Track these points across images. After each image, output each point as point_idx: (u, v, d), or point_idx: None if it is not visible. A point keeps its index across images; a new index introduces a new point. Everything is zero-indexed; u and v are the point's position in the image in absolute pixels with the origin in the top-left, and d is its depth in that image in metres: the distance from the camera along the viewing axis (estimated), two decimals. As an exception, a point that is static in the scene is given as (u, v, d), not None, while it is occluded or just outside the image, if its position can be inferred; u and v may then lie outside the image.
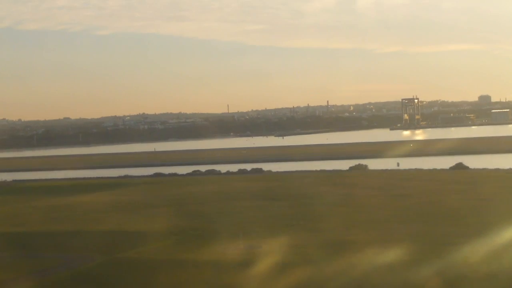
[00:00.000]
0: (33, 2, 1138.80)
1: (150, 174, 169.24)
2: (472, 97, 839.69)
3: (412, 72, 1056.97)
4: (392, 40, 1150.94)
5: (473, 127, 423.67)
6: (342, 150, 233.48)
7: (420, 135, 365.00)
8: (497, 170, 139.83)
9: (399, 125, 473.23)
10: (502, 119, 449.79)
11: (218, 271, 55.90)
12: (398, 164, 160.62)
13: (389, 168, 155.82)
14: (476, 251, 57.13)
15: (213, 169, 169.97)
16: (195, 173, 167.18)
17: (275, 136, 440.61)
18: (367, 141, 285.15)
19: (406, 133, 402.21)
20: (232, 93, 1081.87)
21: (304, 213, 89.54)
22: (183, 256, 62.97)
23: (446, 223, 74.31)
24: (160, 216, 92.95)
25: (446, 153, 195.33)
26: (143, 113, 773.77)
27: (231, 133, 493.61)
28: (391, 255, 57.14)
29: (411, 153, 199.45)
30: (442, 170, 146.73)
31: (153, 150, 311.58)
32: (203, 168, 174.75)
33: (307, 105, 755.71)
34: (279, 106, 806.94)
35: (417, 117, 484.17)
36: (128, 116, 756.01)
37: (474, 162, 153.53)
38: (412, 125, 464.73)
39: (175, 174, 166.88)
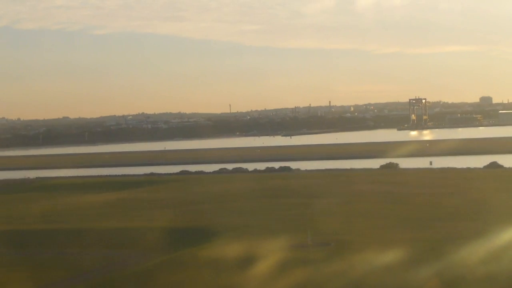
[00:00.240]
0: (31, 1, 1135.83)
1: (175, 172, 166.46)
2: (471, 98, 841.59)
3: (410, 73, 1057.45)
4: (391, 41, 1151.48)
5: (481, 128, 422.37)
6: (361, 149, 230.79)
7: (430, 135, 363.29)
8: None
9: (406, 125, 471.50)
10: (509, 120, 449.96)
11: (299, 267, 53.62)
12: (431, 163, 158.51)
13: (421, 167, 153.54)
14: None
15: (240, 167, 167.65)
16: (222, 171, 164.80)
17: (282, 135, 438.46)
18: (381, 141, 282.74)
19: (414, 133, 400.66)
20: (230, 93, 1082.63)
21: (359, 210, 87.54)
22: (256, 252, 59.95)
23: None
24: (207, 213, 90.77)
25: (472, 152, 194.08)
26: (143, 113, 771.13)
27: (237, 133, 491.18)
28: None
29: (434, 153, 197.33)
30: (476, 168, 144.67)
31: (163, 149, 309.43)
32: (229, 166, 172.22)
33: (308, 105, 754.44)
34: (278, 107, 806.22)
35: (424, 117, 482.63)
36: (127, 115, 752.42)
37: (507, 161, 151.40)
38: (419, 125, 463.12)
39: (201, 172, 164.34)
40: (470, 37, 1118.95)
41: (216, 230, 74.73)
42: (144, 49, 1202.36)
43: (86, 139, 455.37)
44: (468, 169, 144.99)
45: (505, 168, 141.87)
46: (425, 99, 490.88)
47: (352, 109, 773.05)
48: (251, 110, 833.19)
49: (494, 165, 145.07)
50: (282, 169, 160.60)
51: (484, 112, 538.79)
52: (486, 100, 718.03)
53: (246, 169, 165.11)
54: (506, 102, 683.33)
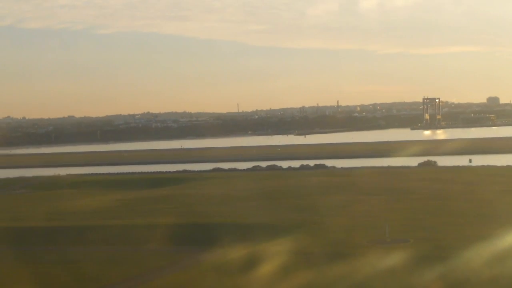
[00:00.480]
0: (35, 0, 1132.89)
1: (208, 169, 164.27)
2: (477, 98, 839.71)
3: (414, 74, 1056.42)
4: (394, 42, 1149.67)
5: (495, 127, 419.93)
6: (388, 148, 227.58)
7: (447, 134, 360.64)
8: None
9: (419, 124, 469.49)
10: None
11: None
12: (470, 161, 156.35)
13: (460, 165, 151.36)
14: None
15: (274, 165, 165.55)
16: (255, 168, 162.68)
17: (295, 134, 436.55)
18: (401, 140, 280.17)
19: (428, 132, 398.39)
20: (235, 92, 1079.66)
21: (420, 207, 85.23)
22: (338, 249, 58.38)
23: None
24: (263, 209, 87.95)
25: (500, 151, 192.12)
26: (148, 112, 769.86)
27: (249, 132, 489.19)
28: None
29: (464, 151, 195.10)
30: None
31: (180, 147, 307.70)
32: (263, 164, 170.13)
33: (316, 105, 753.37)
34: (284, 106, 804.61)
35: (438, 117, 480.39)
36: (133, 114, 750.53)
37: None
38: (433, 125, 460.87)
39: (234, 169, 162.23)
40: (474, 38, 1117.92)
41: (284, 225, 72.61)
42: (148, 49, 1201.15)
43: (99, 138, 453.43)
44: (508, 166, 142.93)
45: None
46: (438, 98, 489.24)
47: (358, 109, 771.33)
48: (257, 109, 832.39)
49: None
50: (317, 166, 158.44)
51: (493, 112, 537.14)
52: (493, 100, 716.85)
53: (280, 166, 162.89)
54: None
